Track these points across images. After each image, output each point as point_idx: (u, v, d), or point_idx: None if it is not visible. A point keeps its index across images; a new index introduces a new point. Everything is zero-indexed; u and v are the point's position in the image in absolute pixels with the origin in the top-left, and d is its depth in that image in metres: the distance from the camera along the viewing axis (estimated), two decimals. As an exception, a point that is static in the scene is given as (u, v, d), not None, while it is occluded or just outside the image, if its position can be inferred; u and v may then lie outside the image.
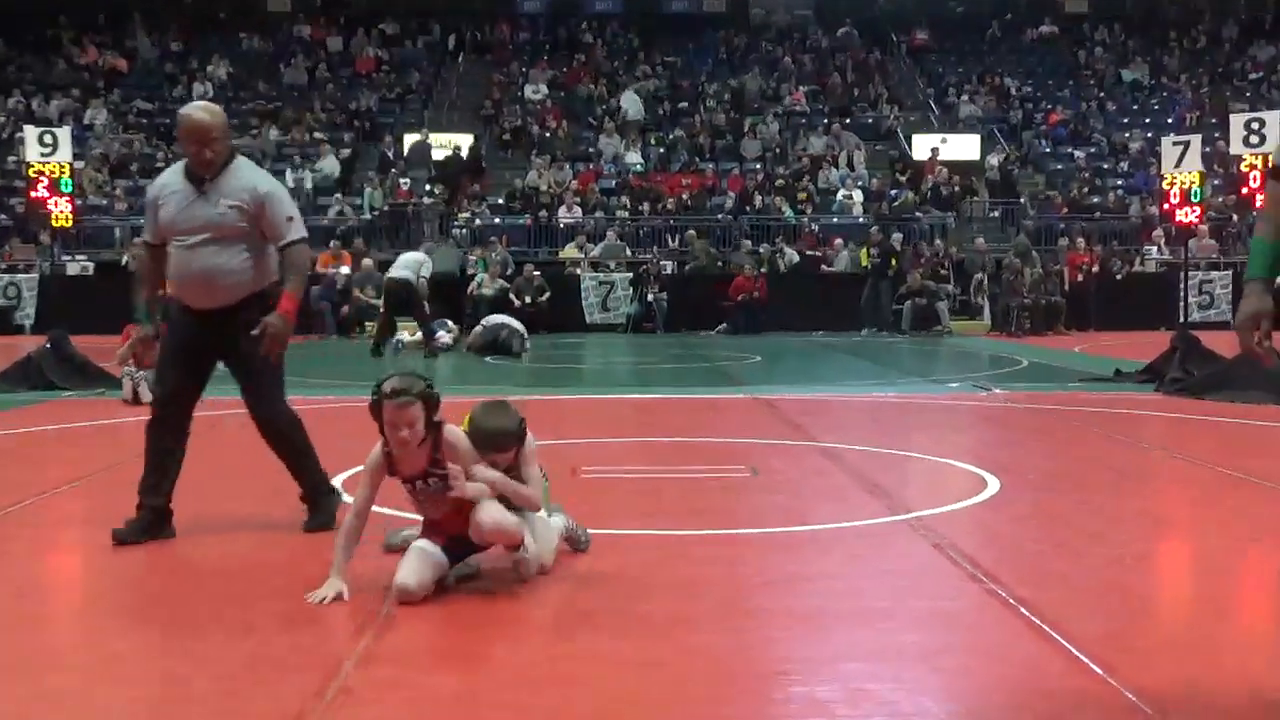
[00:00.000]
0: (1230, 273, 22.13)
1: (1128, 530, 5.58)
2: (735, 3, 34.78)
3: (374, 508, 4.57)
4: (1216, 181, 25.43)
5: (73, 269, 22.88)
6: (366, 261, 20.93)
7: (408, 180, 25.52)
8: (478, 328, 17.17)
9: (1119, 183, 27.65)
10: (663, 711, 3.31)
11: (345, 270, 21.06)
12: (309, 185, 25.62)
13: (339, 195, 25.60)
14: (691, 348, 18.31)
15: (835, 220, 25.24)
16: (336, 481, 6.40)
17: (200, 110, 5.36)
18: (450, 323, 18.12)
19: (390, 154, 26.99)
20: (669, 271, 22.82)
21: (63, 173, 20.63)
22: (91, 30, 32.15)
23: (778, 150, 28.03)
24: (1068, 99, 31.06)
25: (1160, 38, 33.82)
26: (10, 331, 20.86)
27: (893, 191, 25.97)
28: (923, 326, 20.81)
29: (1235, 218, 23.78)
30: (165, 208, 5.33)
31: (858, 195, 25.91)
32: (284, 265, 5.38)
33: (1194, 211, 20.26)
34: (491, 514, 4.38)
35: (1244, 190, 19.66)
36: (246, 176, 5.35)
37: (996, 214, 26.34)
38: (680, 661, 3.67)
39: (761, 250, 23.29)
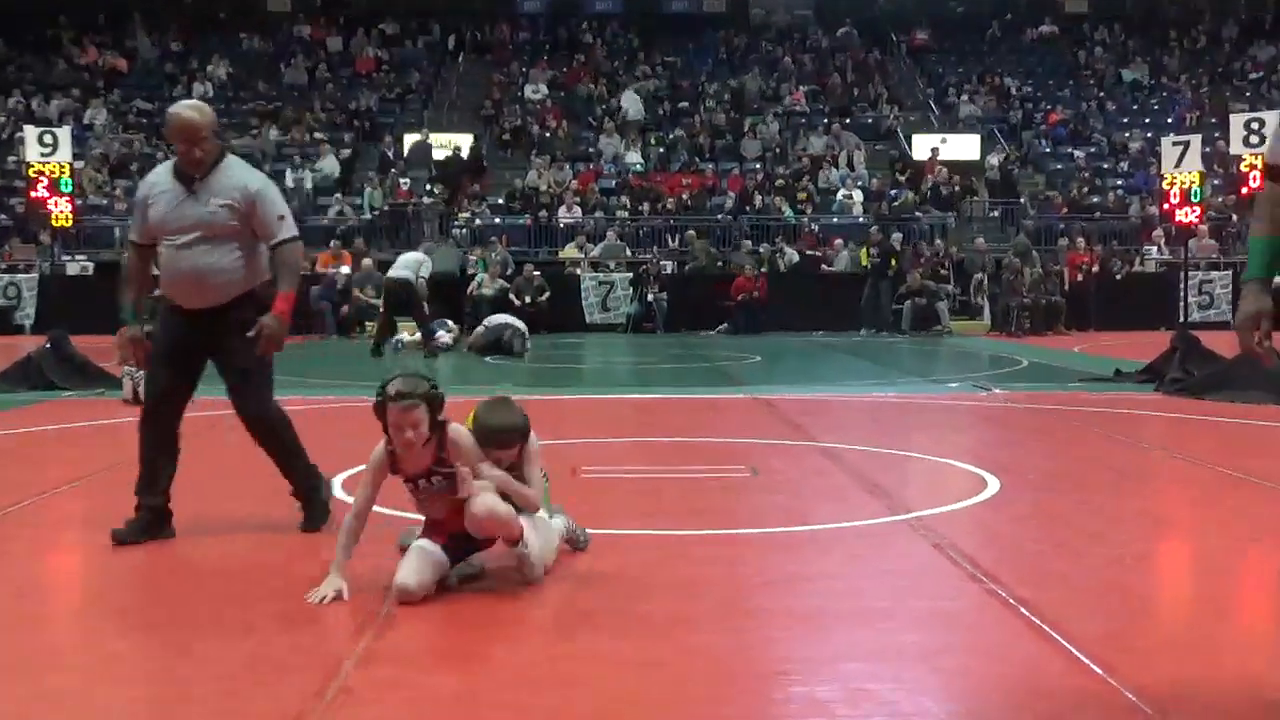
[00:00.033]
0: (1230, 273, 22.14)
1: (1128, 530, 5.58)
2: (735, 3, 34.79)
3: (374, 507, 4.57)
4: (1216, 181, 25.43)
5: (73, 269, 22.87)
6: (366, 261, 20.93)
7: (408, 180, 25.53)
8: (480, 328, 17.17)
9: (1119, 183, 27.66)
10: (663, 711, 3.31)
11: (345, 270, 21.07)
12: (309, 185, 25.64)
13: (339, 195, 25.61)
14: (691, 348, 18.31)
15: (835, 220, 25.25)
16: (336, 482, 6.40)
17: (189, 109, 5.32)
18: (450, 323, 18.12)
19: (390, 154, 26.99)
20: (669, 271, 22.82)
21: (63, 173, 20.62)
22: (91, 30, 32.16)
23: (778, 150, 28.04)
24: (1068, 99, 31.07)
25: (1160, 38, 33.83)
26: (10, 331, 20.87)
27: (893, 191, 25.97)
28: (923, 326, 20.81)
29: (1235, 218, 23.78)
30: (154, 207, 5.28)
31: (858, 195, 25.92)
32: (276, 265, 5.36)
33: (1194, 211, 20.24)
34: (485, 502, 4.37)
35: (1244, 190, 19.65)
36: (237, 175, 5.31)
37: (996, 214, 26.35)
38: (680, 661, 3.67)
39: (761, 250, 23.29)
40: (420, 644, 3.98)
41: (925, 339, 20.19)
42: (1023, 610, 4.16)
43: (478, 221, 24.91)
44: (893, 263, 21.46)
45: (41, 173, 20.50)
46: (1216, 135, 25.89)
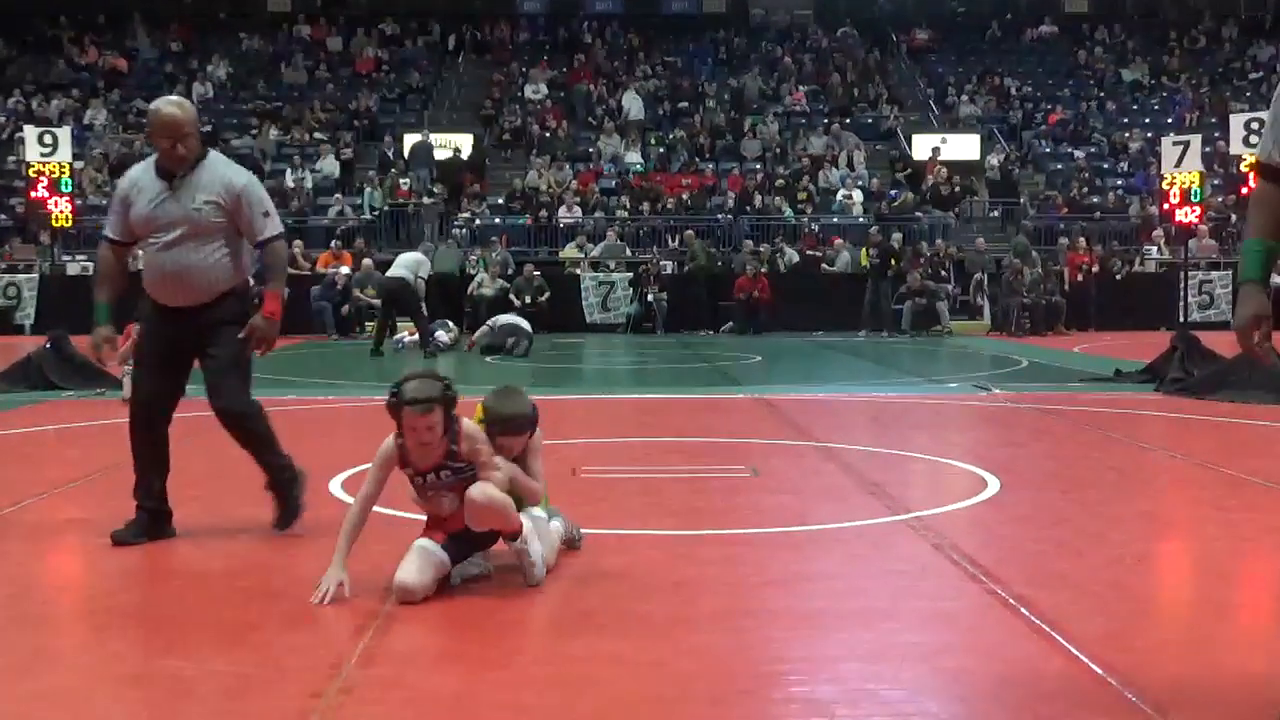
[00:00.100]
0: (1230, 273, 22.10)
1: (1128, 530, 5.58)
2: (735, 3, 34.78)
3: (374, 508, 4.57)
4: (1216, 181, 25.41)
5: (73, 269, 22.85)
6: (366, 261, 20.93)
7: (408, 180, 25.52)
8: (484, 327, 17.17)
9: (1119, 183, 27.65)
10: (663, 711, 3.31)
11: (345, 270, 21.06)
12: (309, 185, 25.63)
13: (339, 195, 25.60)
14: (691, 348, 18.31)
15: (835, 220, 25.22)
16: (336, 482, 6.41)
17: (171, 105, 5.25)
18: (450, 323, 18.12)
19: (390, 154, 26.98)
20: (669, 271, 22.82)
21: (63, 173, 20.64)
22: (91, 30, 32.14)
23: (778, 150, 28.03)
24: (1068, 99, 31.06)
25: (1160, 38, 33.83)
26: (10, 331, 20.85)
27: (893, 191, 25.96)
28: (923, 326, 20.81)
29: (1235, 218, 23.76)
30: (136, 205, 5.22)
31: (858, 195, 25.90)
32: (263, 264, 5.33)
33: (1194, 211, 20.27)
34: (485, 490, 4.37)
35: (1244, 190, 19.62)
36: (221, 172, 5.26)
37: (996, 214, 26.33)
38: (680, 661, 3.67)
39: (761, 250, 23.30)
40: (420, 644, 3.98)
41: (925, 339, 20.18)
42: (1023, 610, 4.16)
43: (478, 221, 24.90)
44: (893, 263, 21.46)
45: (41, 173, 20.52)
46: (1216, 135, 25.89)
